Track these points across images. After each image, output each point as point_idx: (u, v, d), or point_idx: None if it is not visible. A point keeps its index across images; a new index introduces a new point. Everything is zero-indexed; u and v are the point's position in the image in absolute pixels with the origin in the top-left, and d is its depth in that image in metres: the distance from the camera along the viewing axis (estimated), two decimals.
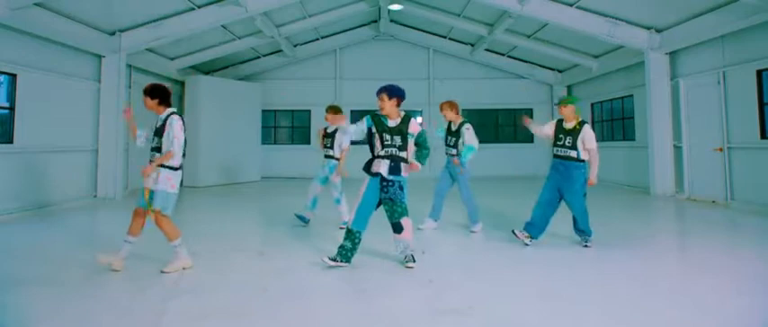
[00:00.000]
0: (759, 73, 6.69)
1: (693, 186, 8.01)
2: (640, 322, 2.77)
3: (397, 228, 3.84)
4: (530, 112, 13.56)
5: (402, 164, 3.82)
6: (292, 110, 13.63)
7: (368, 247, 4.70)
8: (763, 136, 6.64)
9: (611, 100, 11.03)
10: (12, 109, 6.73)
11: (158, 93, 4.04)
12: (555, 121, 4.70)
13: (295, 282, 3.56)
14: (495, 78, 13.52)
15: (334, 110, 5.50)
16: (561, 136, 4.53)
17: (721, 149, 7.32)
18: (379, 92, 3.99)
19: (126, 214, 7.01)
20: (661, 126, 8.45)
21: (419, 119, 13.00)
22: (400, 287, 3.45)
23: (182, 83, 11.46)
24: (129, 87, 9.30)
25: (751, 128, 6.78)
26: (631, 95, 10.02)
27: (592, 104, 11.97)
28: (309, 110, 13.37)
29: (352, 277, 3.69)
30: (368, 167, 3.86)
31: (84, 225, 6.38)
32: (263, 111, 12.96)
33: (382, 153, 3.82)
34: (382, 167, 3.78)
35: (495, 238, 5.04)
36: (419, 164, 3.90)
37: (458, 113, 5.52)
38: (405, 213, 3.83)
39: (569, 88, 13.15)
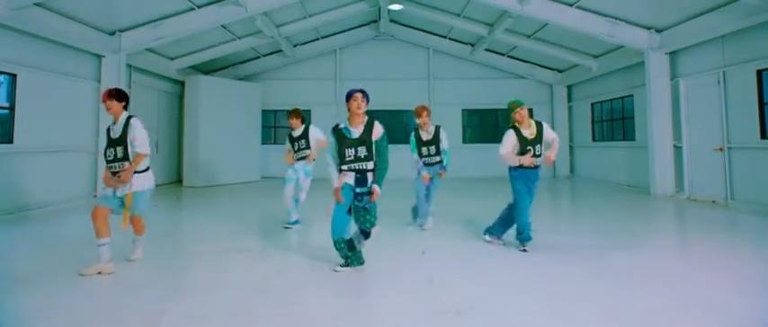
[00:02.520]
0: (759, 73, 6.69)
1: (693, 186, 8.01)
2: (640, 321, 2.77)
3: (367, 235, 3.80)
4: (529, 112, 13.54)
5: (368, 176, 3.66)
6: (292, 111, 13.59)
7: (368, 247, 4.70)
8: (763, 136, 6.64)
9: (611, 100, 11.03)
10: (12, 109, 6.73)
11: (125, 97, 3.90)
12: (513, 135, 4.45)
13: (295, 282, 3.56)
14: (494, 78, 13.52)
15: (297, 114, 5.93)
16: (529, 147, 4.38)
17: (721, 149, 7.32)
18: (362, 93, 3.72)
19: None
20: (661, 126, 8.45)
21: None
22: (400, 287, 3.45)
23: (182, 84, 11.47)
24: (130, 87, 9.31)
25: (751, 127, 6.78)
26: (631, 95, 10.02)
27: (592, 104, 11.97)
28: (309, 110, 13.36)
29: (353, 277, 3.69)
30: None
31: (84, 225, 6.36)
32: (263, 111, 12.97)
33: (345, 167, 3.65)
34: (349, 179, 3.66)
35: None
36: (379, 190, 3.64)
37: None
38: (375, 223, 3.73)
39: (569, 88, 13.15)
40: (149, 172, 3.95)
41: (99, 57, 8.40)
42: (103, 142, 3.88)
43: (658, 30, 8.41)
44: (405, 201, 6.19)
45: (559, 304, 3.05)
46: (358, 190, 3.64)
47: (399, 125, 13.20)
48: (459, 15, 10.81)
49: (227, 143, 11.30)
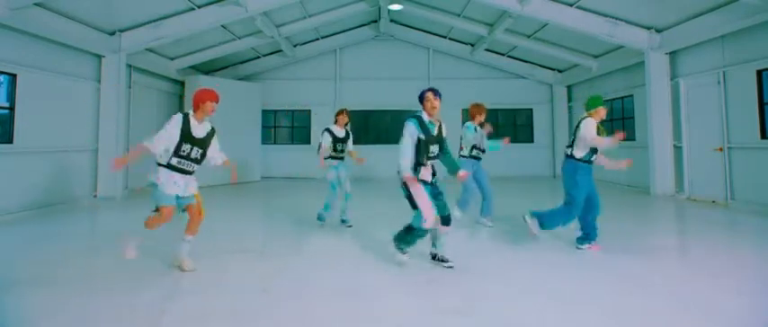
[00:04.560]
0: (759, 73, 6.69)
1: (693, 186, 8.01)
2: (640, 322, 2.77)
3: (448, 221, 3.85)
4: (529, 112, 13.58)
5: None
6: (292, 110, 13.63)
7: (368, 247, 4.70)
8: (763, 136, 6.64)
9: (611, 100, 11.02)
10: (12, 109, 6.73)
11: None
12: (594, 123, 4.43)
13: (295, 282, 3.56)
14: (494, 78, 13.52)
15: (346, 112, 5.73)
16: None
17: (721, 149, 7.32)
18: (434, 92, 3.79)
19: (126, 214, 7.02)
20: (661, 126, 8.45)
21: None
22: (400, 287, 3.45)
23: (182, 83, 11.47)
24: (129, 87, 9.31)
25: (751, 128, 6.78)
26: (631, 95, 10.02)
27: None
28: (309, 110, 13.38)
29: (353, 277, 3.69)
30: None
31: (84, 225, 6.38)
32: (263, 111, 12.96)
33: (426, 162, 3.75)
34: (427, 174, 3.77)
35: (495, 238, 5.04)
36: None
37: None
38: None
39: (569, 88, 13.14)
40: (162, 169, 3.69)
41: (99, 57, 8.40)
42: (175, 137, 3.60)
43: (658, 31, 8.41)
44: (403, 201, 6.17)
45: (559, 304, 3.05)
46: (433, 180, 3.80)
47: (399, 125, 13.14)
48: (459, 15, 10.80)
49: (227, 143, 11.18)
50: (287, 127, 13.78)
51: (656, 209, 7.23)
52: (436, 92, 3.73)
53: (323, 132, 5.62)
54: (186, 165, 3.67)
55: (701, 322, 2.75)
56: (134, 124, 9.49)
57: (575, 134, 4.51)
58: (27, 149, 6.91)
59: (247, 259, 4.28)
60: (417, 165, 3.68)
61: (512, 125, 13.62)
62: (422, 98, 3.74)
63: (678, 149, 8.30)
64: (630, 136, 10.20)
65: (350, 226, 5.66)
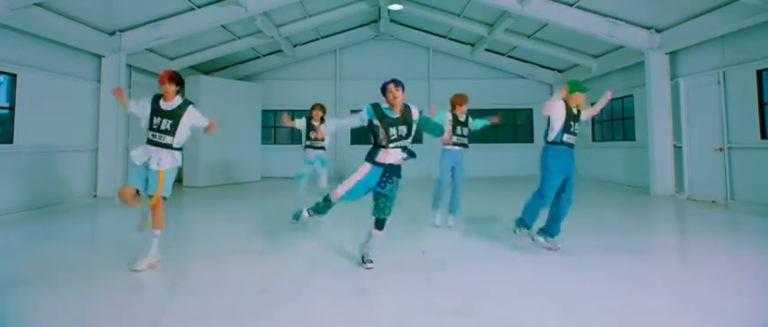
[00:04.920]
0: (759, 73, 6.68)
1: (693, 186, 8.01)
2: (640, 321, 2.77)
3: (381, 224, 3.85)
4: (529, 112, 13.58)
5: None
6: (292, 110, 13.59)
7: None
8: (763, 136, 6.64)
9: (610, 100, 11.01)
10: (12, 109, 6.73)
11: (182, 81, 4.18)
12: (563, 104, 4.22)
13: (295, 282, 3.56)
14: (494, 78, 13.52)
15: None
16: (572, 122, 4.23)
17: (721, 149, 7.32)
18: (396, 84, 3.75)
19: (126, 213, 7.01)
20: (661, 126, 8.45)
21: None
22: (400, 287, 3.45)
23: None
24: (129, 87, 9.31)
25: (751, 128, 6.78)
26: (631, 95, 10.02)
27: (591, 104, 11.92)
28: (309, 110, 13.35)
29: (352, 277, 3.69)
30: (372, 157, 3.75)
31: (84, 225, 6.38)
32: (263, 111, 12.96)
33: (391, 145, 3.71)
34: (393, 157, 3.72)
35: (495, 238, 5.03)
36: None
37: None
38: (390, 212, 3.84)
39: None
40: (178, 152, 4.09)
41: (99, 57, 8.40)
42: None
43: (658, 30, 8.41)
44: (404, 201, 6.18)
45: (559, 303, 3.05)
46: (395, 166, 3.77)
47: None
48: (459, 15, 10.80)
49: (227, 143, 11.29)
50: (287, 127, 13.75)
51: (656, 209, 7.23)
52: (398, 83, 3.71)
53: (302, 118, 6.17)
54: (158, 138, 3.95)
55: (701, 322, 2.75)
56: (134, 124, 9.46)
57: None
58: (27, 149, 6.90)
59: (247, 259, 4.28)
60: (377, 147, 3.72)
61: (512, 125, 13.63)
62: (384, 89, 3.73)
63: (678, 149, 8.30)
64: (630, 136, 10.22)
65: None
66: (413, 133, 3.76)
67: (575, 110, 4.30)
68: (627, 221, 6.23)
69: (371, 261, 3.90)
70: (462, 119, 5.59)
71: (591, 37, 9.00)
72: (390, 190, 3.75)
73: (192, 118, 4.06)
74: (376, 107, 3.71)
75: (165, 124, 3.93)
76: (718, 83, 7.36)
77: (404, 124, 3.70)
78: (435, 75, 13.57)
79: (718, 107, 7.37)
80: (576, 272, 3.78)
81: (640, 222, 6.34)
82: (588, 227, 5.77)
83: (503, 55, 12.86)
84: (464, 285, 3.48)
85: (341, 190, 3.74)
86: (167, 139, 3.94)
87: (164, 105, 3.98)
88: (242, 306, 3.03)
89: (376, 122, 3.68)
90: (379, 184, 3.75)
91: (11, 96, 6.76)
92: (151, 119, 3.95)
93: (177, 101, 4.04)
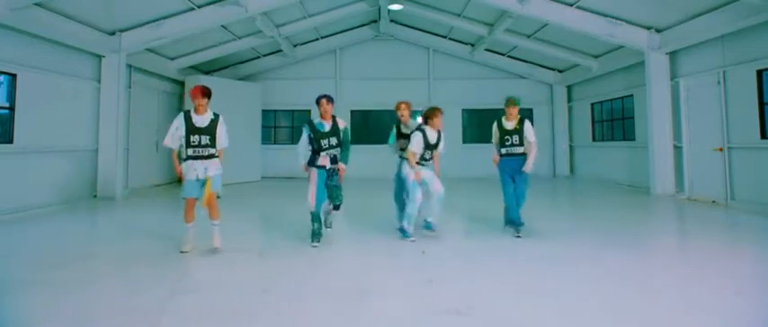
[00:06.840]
0: (759, 73, 6.68)
1: (693, 186, 8.01)
2: (640, 321, 2.77)
3: (338, 208, 5.00)
4: (529, 112, 13.57)
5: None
6: (292, 110, 13.63)
7: (368, 247, 4.70)
8: (763, 136, 6.64)
9: (611, 100, 11.03)
10: (12, 109, 6.73)
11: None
12: (495, 125, 5.30)
13: (295, 282, 3.56)
14: (495, 78, 13.50)
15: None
16: (507, 136, 5.14)
17: (721, 149, 7.32)
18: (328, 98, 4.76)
19: (126, 213, 7.01)
20: (661, 126, 8.45)
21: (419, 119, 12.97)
22: (400, 287, 3.45)
23: (182, 83, 11.47)
24: (129, 87, 9.32)
25: (751, 128, 6.78)
26: (631, 95, 10.02)
27: (592, 104, 11.97)
28: (309, 110, 13.34)
29: (353, 277, 3.69)
30: (313, 162, 4.69)
31: (84, 225, 6.38)
32: (263, 111, 12.97)
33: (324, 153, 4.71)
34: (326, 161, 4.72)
35: (495, 238, 5.04)
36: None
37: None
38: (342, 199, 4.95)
39: (569, 88, 13.15)
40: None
41: (99, 57, 8.40)
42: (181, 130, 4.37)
43: (658, 30, 8.40)
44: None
45: (560, 303, 3.05)
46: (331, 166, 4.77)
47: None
48: (459, 15, 10.80)
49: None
50: (287, 127, 13.78)
51: (657, 209, 7.23)
52: (329, 98, 4.71)
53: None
54: (200, 151, 4.35)
55: (701, 322, 2.75)
56: (134, 124, 9.49)
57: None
58: (27, 149, 6.91)
59: (247, 259, 4.28)
60: (316, 154, 4.70)
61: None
62: (317, 102, 4.71)
63: (678, 149, 8.30)
64: (630, 136, 10.21)
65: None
66: (340, 140, 4.75)
67: (508, 126, 5.17)
68: (627, 221, 6.22)
69: (331, 226, 5.18)
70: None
71: (591, 37, 9.00)
72: (336, 181, 4.78)
73: (222, 129, 4.50)
74: (311, 123, 4.74)
75: (204, 139, 4.37)
76: (718, 83, 7.36)
77: (333, 135, 4.70)
78: (435, 75, 13.57)
79: (718, 107, 7.37)
80: (577, 272, 3.78)
81: (640, 222, 6.34)
82: (588, 227, 5.78)
83: (503, 55, 12.85)
84: (464, 285, 3.47)
85: (312, 201, 4.64)
86: (210, 151, 4.40)
87: (197, 121, 4.35)
88: (242, 306, 3.03)
89: (312, 136, 4.69)
90: (328, 180, 4.71)
91: (11, 96, 6.76)
92: (188, 138, 4.30)
93: (210, 115, 4.45)
